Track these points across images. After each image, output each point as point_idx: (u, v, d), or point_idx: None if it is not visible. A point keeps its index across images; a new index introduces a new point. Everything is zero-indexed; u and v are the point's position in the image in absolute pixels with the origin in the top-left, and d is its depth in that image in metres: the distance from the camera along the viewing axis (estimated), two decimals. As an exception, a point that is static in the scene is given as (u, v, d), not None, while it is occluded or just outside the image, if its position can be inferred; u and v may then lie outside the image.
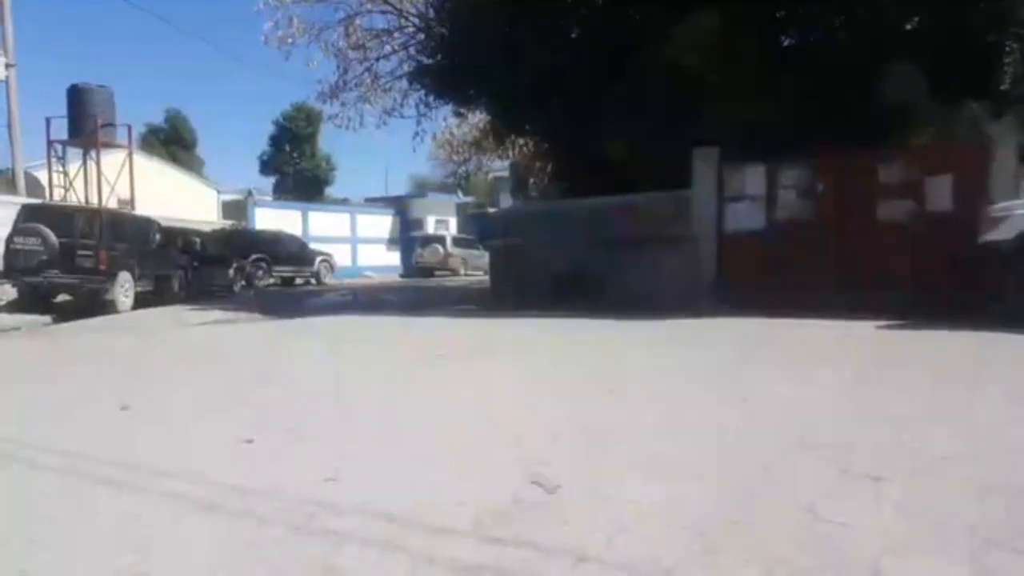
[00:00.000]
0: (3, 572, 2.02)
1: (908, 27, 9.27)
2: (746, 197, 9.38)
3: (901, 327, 6.77)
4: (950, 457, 2.78)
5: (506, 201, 22.41)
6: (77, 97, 18.86)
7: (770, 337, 6.70)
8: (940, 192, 8.21)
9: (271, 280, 19.98)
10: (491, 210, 23.32)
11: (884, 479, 2.52)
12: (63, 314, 11.33)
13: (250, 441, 3.28)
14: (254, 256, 19.23)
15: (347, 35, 15.44)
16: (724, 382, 4.53)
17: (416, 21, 14.82)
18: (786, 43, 10.61)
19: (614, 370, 5.15)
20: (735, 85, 8.83)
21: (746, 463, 2.80)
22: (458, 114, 16.18)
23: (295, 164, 41.37)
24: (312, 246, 23.54)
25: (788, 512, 2.26)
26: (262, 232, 22.83)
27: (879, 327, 6.75)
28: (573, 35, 10.65)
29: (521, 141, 16.20)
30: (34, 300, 11.94)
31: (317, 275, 22.26)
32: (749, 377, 4.66)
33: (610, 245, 10.16)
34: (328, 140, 44.05)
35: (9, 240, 11.83)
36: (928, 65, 8.60)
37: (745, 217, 9.36)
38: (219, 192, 27.89)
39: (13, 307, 11.84)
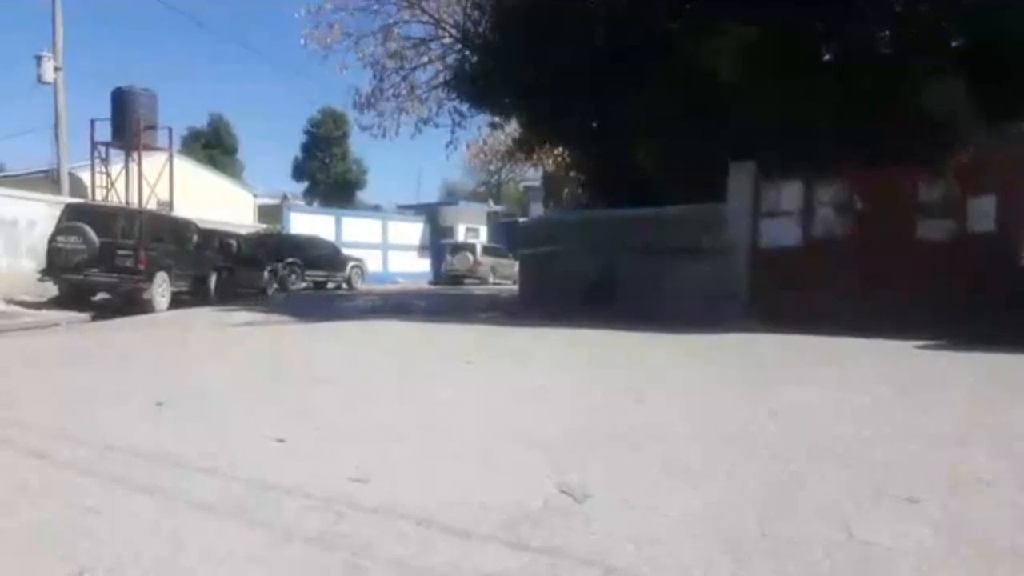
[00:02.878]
0: (47, 558, 2.07)
1: (954, 43, 9.06)
2: (782, 212, 9.25)
3: (938, 347, 6.60)
4: (988, 478, 2.70)
5: (537, 210, 22.45)
6: (121, 100, 19.40)
7: (803, 352, 6.58)
8: (983, 211, 7.99)
9: (304, 284, 20.22)
10: (521, 219, 23.33)
11: (920, 499, 2.46)
12: (101, 312, 11.61)
13: (281, 440, 3.32)
14: (288, 260, 19.48)
15: (384, 43, 15.64)
16: (755, 395, 4.46)
17: (453, 31, 14.98)
18: (826, 56, 10.44)
19: (643, 380, 5.10)
20: (770, 96, 8.70)
21: (778, 477, 2.75)
22: (493, 125, 16.27)
23: (326, 169, 41.85)
24: (344, 251, 23.81)
25: (821, 529, 2.22)
26: (296, 236, 23.14)
27: (916, 346, 6.59)
28: (601, 42, 10.60)
29: (556, 151, 16.22)
30: (74, 297, 12.25)
31: (349, 280, 22.47)
32: (781, 391, 4.59)
33: (640, 256, 10.09)
34: (359, 144, 44.48)
35: (52, 238, 12.18)
36: (974, 81, 8.39)
37: (780, 232, 9.23)
38: (255, 196, 28.38)
39: (54, 304, 12.17)
